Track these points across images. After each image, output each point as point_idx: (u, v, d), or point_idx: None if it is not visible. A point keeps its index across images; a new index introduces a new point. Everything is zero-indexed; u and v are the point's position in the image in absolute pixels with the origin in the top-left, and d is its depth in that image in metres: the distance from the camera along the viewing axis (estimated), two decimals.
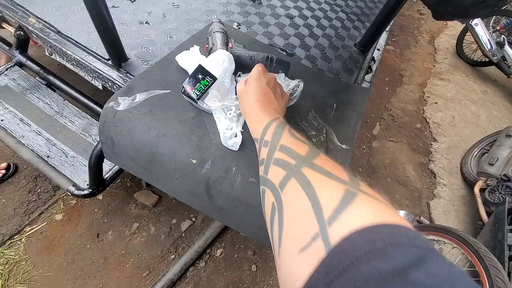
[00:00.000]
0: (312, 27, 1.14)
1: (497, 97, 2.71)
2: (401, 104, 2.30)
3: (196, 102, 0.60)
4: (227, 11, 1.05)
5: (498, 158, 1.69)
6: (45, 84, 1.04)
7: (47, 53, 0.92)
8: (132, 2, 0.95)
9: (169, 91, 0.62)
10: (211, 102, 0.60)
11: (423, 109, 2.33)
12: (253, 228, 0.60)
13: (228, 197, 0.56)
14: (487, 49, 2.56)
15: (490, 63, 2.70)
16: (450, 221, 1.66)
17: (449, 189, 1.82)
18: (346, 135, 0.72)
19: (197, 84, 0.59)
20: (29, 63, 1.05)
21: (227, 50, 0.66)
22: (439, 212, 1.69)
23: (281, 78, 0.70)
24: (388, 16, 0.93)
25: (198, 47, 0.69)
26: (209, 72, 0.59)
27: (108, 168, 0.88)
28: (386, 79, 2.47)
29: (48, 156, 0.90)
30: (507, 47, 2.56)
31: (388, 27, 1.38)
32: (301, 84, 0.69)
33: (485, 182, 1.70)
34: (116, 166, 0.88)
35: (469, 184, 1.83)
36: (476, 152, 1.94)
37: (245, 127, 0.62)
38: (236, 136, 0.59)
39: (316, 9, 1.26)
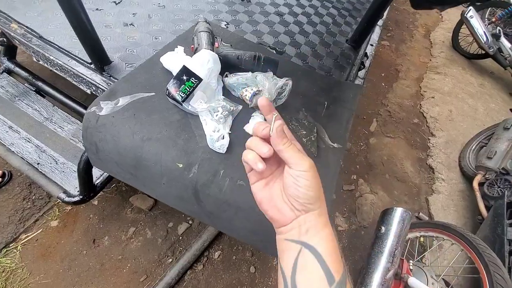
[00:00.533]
0: (302, 24, 1.12)
1: (494, 90, 2.69)
2: (397, 100, 2.28)
3: (181, 104, 0.59)
4: (214, 10, 1.03)
5: (496, 151, 1.67)
6: (34, 90, 1.03)
7: (34, 59, 0.90)
8: (116, 4, 0.93)
9: (153, 93, 0.60)
10: (197, 104, 0.59)
11: (420, 104, 2.31)
12: (244, 231, 0.59)
13: (217, 201, 0.55)
14: (483, 42, 2.54)
15: (486, 55, 2.69)
16: (449, 216, 1.65)
17: (448, 184, 1.81)
18: (337, 133, 0.71)
19: (182, 86, 0.58)
20: (17, 69, 1.04)
21: (212, 50, 0.65)
22: (438, 207, 1.67)
23: (269, 77, 0.69)
24: (378, 10, 0.92)
25: (183, 48, 0.67)
26: (194, 73, 0.58)
27: (99, 173, 0.87)
28: (382, 74, 2.45)
29: (38, 163, 0.89)
30: (503, 39, 2.55)
31: (381, 21, 1.37)
32: (290, 83, 0.68)
33: (483, 176, 1.69)
34: None
35: (468, 178, 1.81)
36: (474, 146, 1.93)
37: (232, 128, 0.61)
38: (223, 138, 0.58)
39: (307, 5, 1.24)
